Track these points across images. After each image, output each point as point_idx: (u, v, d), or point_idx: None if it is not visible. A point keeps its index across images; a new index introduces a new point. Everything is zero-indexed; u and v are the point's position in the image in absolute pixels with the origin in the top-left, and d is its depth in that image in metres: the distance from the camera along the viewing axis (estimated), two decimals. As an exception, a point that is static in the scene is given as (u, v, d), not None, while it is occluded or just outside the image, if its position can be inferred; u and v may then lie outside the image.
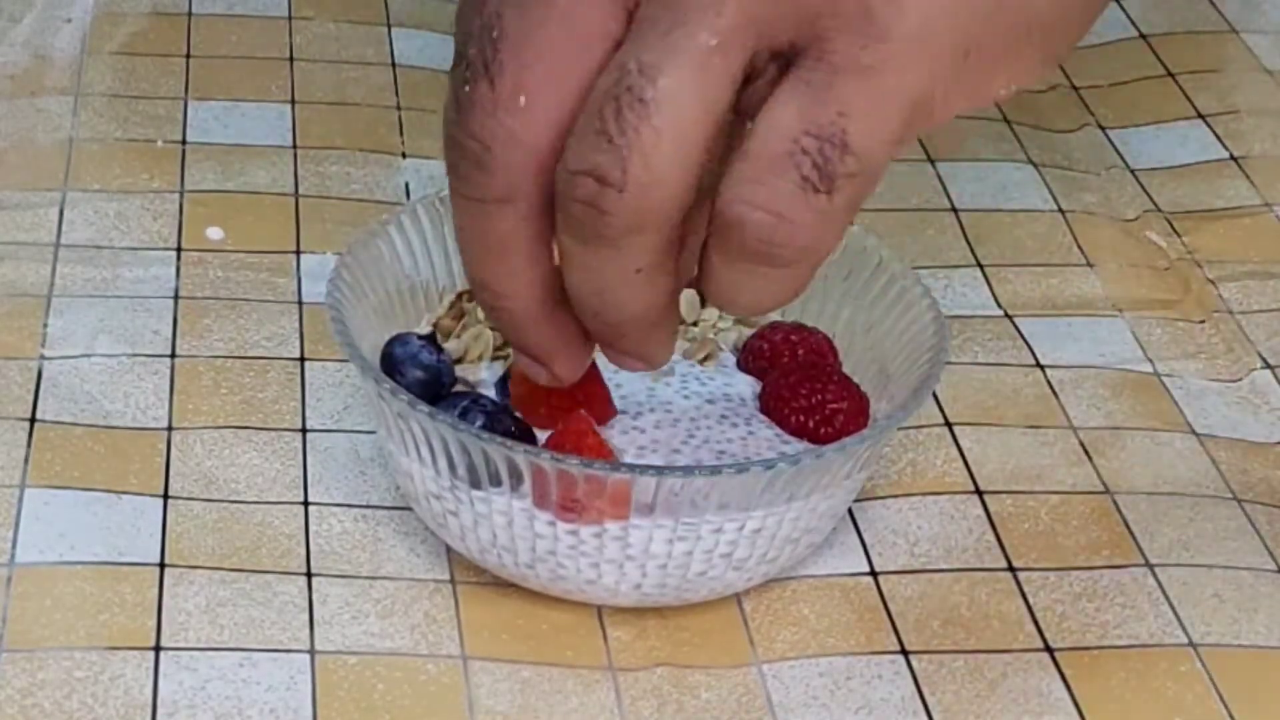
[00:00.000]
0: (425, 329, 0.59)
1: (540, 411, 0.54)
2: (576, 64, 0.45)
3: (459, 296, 0.60)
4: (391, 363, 0.56)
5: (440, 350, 0.56)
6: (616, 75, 0.44)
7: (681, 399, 0.57)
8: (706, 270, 0.47)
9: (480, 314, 0.59)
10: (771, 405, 0.56)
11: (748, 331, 0.60)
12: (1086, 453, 0.62)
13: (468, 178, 0.47)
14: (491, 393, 0.56)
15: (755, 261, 0.46)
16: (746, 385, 0.58)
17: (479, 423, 0.53)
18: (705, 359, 0.58)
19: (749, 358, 0.59)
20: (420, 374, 0.55)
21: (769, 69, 0.45)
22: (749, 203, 0.45)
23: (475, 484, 0.53)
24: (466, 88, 0.46)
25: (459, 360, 0.57)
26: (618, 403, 0.56)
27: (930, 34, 0.44)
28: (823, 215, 0.45)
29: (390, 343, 0.56)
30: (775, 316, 0.60)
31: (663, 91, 0.44)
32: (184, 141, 0.73)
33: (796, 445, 0.56)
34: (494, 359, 0.58)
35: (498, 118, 0.46)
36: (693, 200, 0.46)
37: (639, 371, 0.53)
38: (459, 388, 0.57)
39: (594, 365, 0.53)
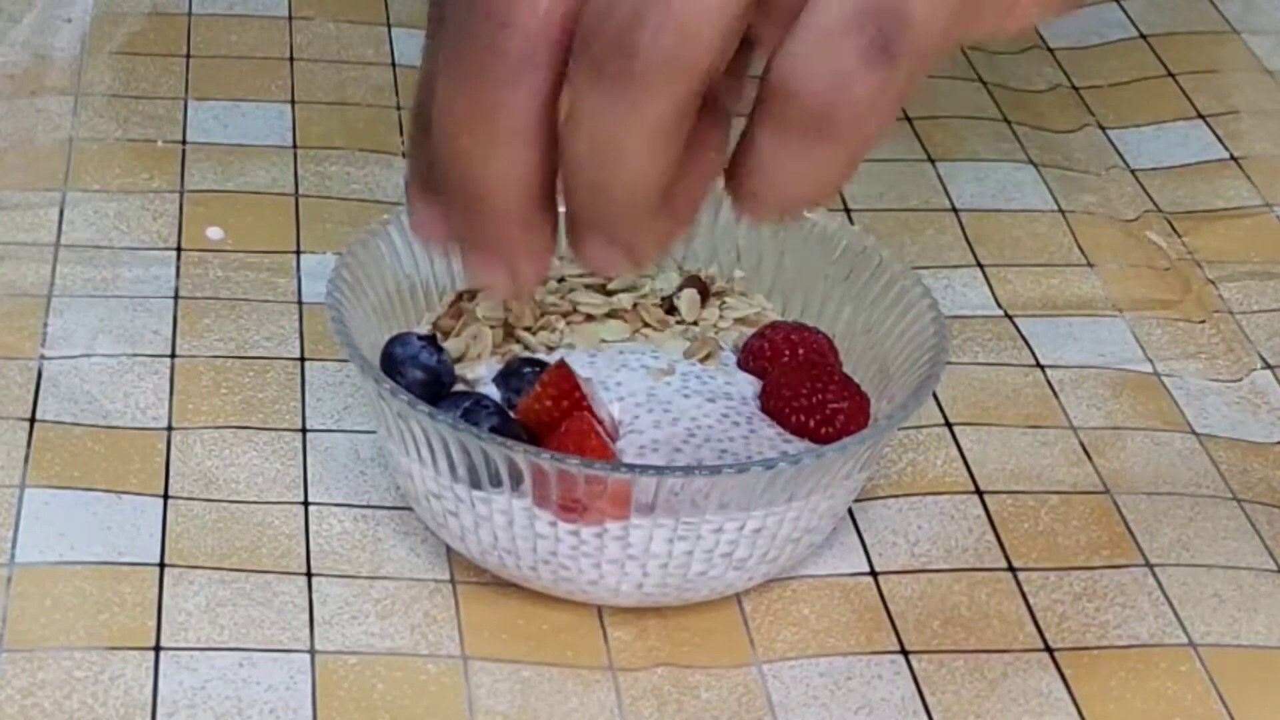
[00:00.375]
0: (425, 329, 0.59)
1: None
2: None
3: (459, 296, 0.60)
4: (391, 363, 0.56)
5: (440, 350, 0.56)
6: None
7: (682, 398, 0.57)
8: (751, 154, 0.45)
9: (480, 312, 0.59)
10: (772, 404, 0.56)
11: (748, 331, 0.60)
12: (1086, 453, 0.62)
13: (479, 42, 0.44)
14: (491, 391, 0.56)
15: (810, 134, 0.44)
16: (747, 384, 0.58)
17: (479, 423, 0.53)
18: (705, 358, 0.58)
19: (749, 357, 0.59)
20: (420, 374, 0.55)
21: None
22: (810, 69, 0.43)
23: (476, 484, 0.53)
24: None
25: (459, 359, 0.57)
26: (617, 403, 0.56)
27: None
28: (881, 87, 0.43)
29: (390, 343, 0.56)
30: (775, 316, 0.60)
31: None
32: (184, 141, 0.73)
33: (797, 445, 0.56)
34: (493, 356, 0.58)
35: None
36: (723, 64, 0.44)
37: (617, 274, 0.50)
38: (459, 387, 0.57)
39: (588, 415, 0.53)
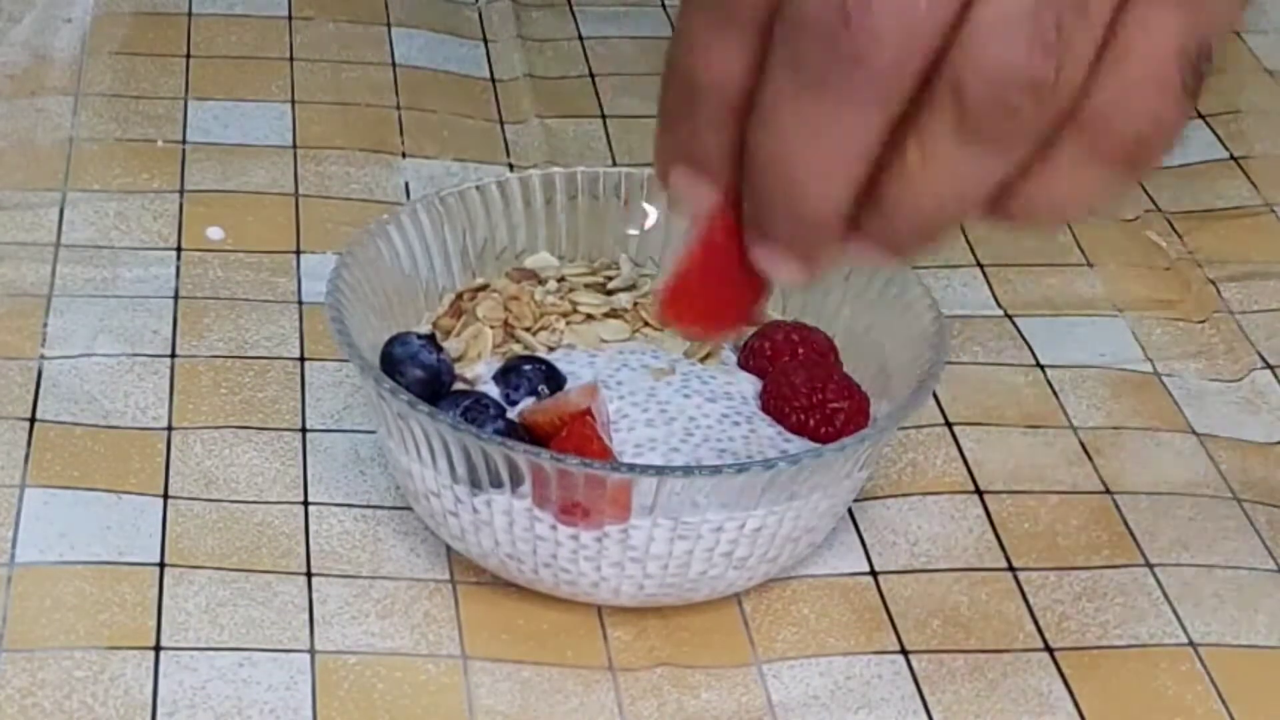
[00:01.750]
0: (425, 328, 0.59)
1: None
2: None
3: (459, 296, 0.60)
4: (391, 362, 0.56)
5: (440, 349, 0.56)
6: None
7: (682, 398, 0.57)
8: (1045, 175, 0.45)
9: (480, 312, 0.59)
10: (772, 404, 0.56)
11: (748, 331, 0.60)
12: (1086, 453, 0.62)
13: (833, 76, 0.43)
14: (491, 390, 0.56)
15: (1116, 164, 0.44)
16: (748, 384, 0.58)
17: (479, 422, 0.53)
18: (706, 357, 0.58)
19: (749, 357, 0.59)
20: (420, 373, 0.55)
21: None
22: (1137, 105, 0.43)
23: (476, 484, 0.53)
24: None
25: (459, 359, 0.57)
26: (617, 401, 0.56)
27: None
28: (1185, 116, 0.44)
29: (390, 342, 0.56)
30: (776, 315, 0.61)
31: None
32: (184, 141, 0.73)
33: (797, 444, 0.56)
34: (493, 356, 0.58)
35: (899, 7, 0.42)
36: None
37: (795, 283, 0.50)
38: (459, 386, 0.57)
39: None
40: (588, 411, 0.54)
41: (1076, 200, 0.45)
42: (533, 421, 0.54)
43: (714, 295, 0.48)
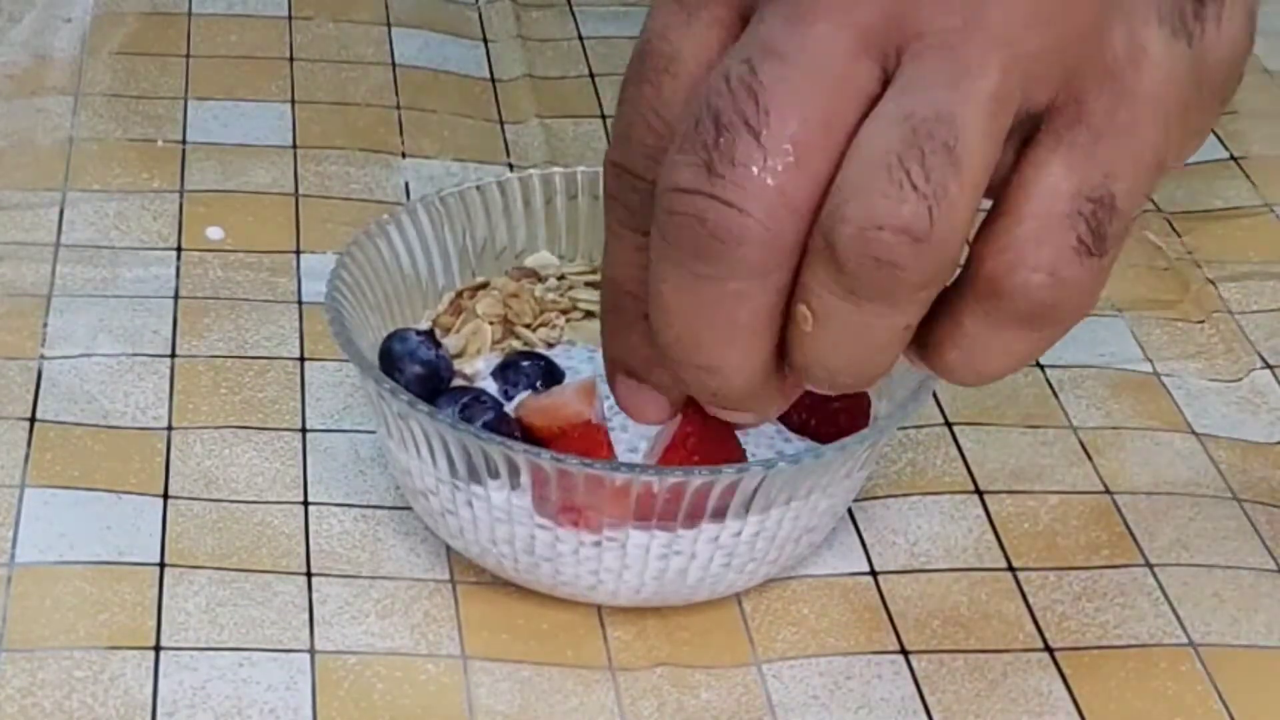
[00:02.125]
0: (425, 327, 0.59)
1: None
2: (843, 119, 0.43)
3: (459, 294, 0.60)
4: (390, 359, 0.56)
5: (438, 345, 0.56)
6: (911, 124, 0.42)
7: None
8: (951, 336, 0.45)
9: (479, 309, 0.59)
10: (772, 404, 0.56)
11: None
12: (1086, 453, 0.62)
13: (709, 254, 0.43)
14: (490, 386, 0.56)
15: (1025, 325, 0.44)
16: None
17: (477, 419, 0.53)
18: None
19: (749, 357, 0.59)
20: (419, 369, 0.55)
21: (1015, 130, 0.44)
22: (1031, 266, 0.43)
23: (476, 481, 0.53)
24: (718, 149, 0.43)
25: (458, 355, 0.57)
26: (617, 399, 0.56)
27: (1165, 93, 0.45)
28: (1094, 276, 0.44)
29: (389, 339, 0.56)
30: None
31: (965, 141, 0.42)
32: (184, 141, 0.73)
33: (798, 443, 0.56)
34: (493, 352, 0.58)
35: (763, 177, 0.43)
36: None
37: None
38: (458, 382, 0.57)
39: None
40: (601, 428, 0.54)
41: (993, 362, 0.46)
42: (530, 423, 0.54)
43: (709, 449, 0.51)
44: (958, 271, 0.45)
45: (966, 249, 0.45)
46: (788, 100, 0.43)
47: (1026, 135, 0.44)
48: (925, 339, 0.46)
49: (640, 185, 0.46)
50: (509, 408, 0.55)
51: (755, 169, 0.43)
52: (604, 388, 0.56)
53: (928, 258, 0.43)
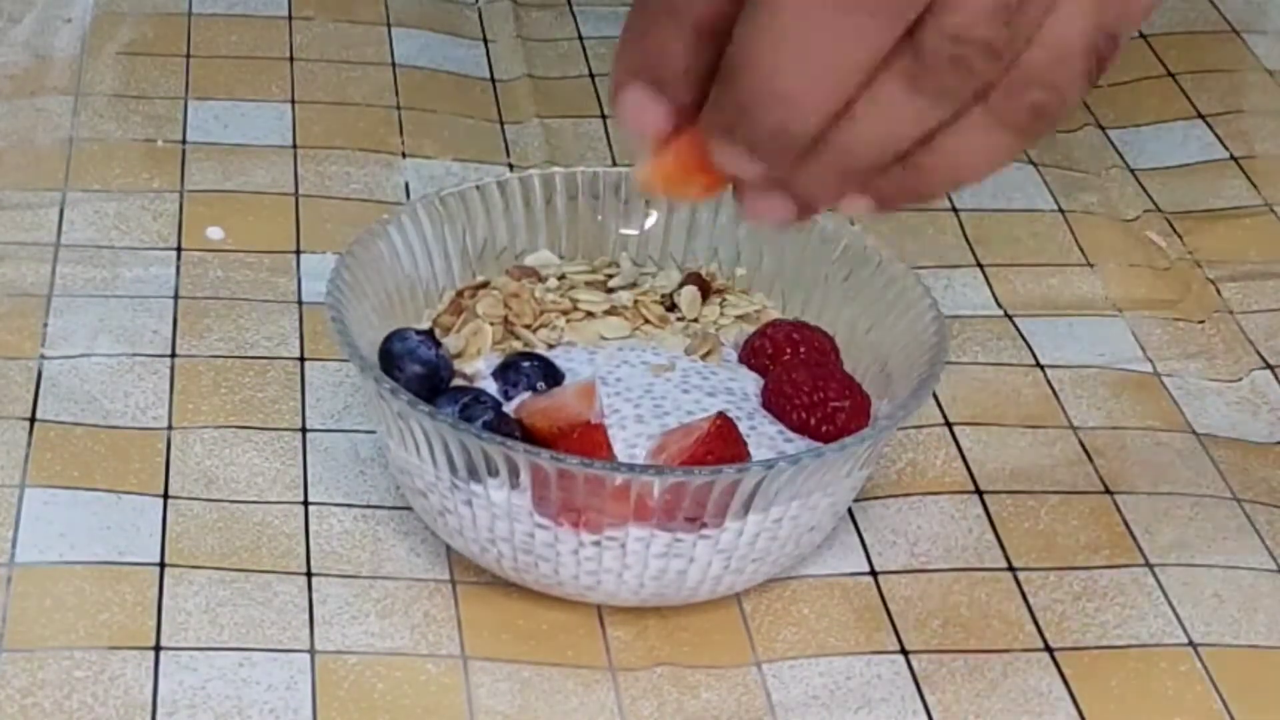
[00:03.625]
0: (425, 327, 0.59)
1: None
2: None
3: (459, 294, 0.60)
4: (390, 358, 0.56)
5: (438, 344, 0.56)
6: None
7: (681, 393, 0.57)
8: (952, 134, 0.46)
9: (479, 309, 0.59)
10: (774, 401, 0.56)
11: (749, 329, 0.60)
12: (1086, 453, 0.62)
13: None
14: (490, 386, 0.56)
15: (1016, 130, 0.46)
16: (749, 381, 0.58)
17: (477, 419, 0.53)
18: (707, 354, 0.58)
19: (750, 354, 0.59)
20: (419, 368, 0.55)
21: None
22: (1047, 80, 0.45)
23: (476, 481, 0.53)
24: None
25: (458, 355, 0.57)
26: (616, 398, 0.56)
27: None
28: (1078, 101, 0.47)
29: (388, 338, 0.56)
30: (776, 314, 0.61)
31: None
32: (184, 141, 0.73)
33: (798, 442, 0.56)
34: (493, 352, 0.58)
35: None
36: None
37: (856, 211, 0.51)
38: (458, 382, 0.57)
39: None
40: (600, 428, 0.54)
41: (974, 162, 0.47)
42: (531, 424, 0.54)
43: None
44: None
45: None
46: None
47: None
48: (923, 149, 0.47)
49: None
50: (509, 408, 0.55)
51: None
52: (603, 388, 0.56)
53: (991, 71, 0.45)
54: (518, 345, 0.58)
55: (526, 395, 0.56)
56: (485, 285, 0.60)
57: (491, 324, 0.58)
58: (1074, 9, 0.46)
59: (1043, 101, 0.46)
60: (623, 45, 0.48)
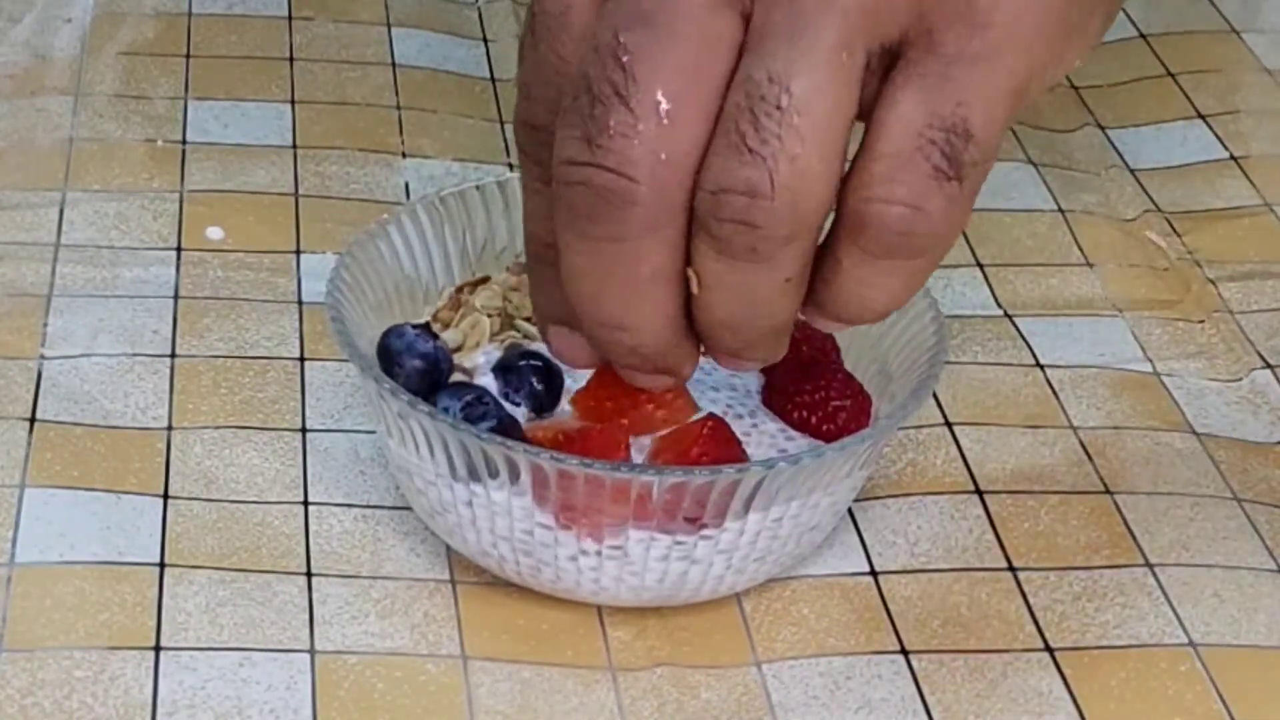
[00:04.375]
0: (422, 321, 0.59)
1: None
2: (710, 74, 0.45)
3: (459, 290, 0.60)
4: (388, 355, 0.56)
5: (435, 337, 0.56)
6: (746, 88, 0.44)
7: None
8: (833, 274, 0.47)
9: (478, 302, 0.59)
10: (775, 400, 0.57)
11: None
12: (1086, 453, 0.62)
13: (602, 217, 0.46)
14: (488, 380, 0.56)
15: (892, 255, 0.46)
16: (751, 377, 0.58)
17: (478, 419, 0.53)
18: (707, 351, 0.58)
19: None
20: (418, 363, 0.55)
21: (875, 65, 0.45)
22: (887, 199, 0.45)
23: (476, 480, 0.53)
24: (594, 120, 0.45)
25: (457, 350, 0.57)
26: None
27: (1024, 18, 0.46)
28: (953, 202, 0.46)
29: (385, 335, 0.56)
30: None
31: (799, 96, 0.44)
32: (184, 141, 0.73)
33: (799, 441, 0.56)
34: (491, 344, 0.58)
35: (641, 139, 0.45)
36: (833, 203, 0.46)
37: (750, 371, 0.54)
38: (457, 377, 0.56)
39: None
40: (621, 427, 0.54)
41: (875, 296, 0.48)
42: (543, 438, 0.54)
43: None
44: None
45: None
46: (653, 64, 0.45)
47: (888, 69, 0.46)
48: (815, 288, 0.48)
49: (549, 140, 0.48)
50: (519, 414, 0.55)
51: (630, 135, 0.45)
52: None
53: (780, 214, 0.45)
54: (516, 337, 0.58)
55: (529, 402, 0.56)
56: (485, 280, 0.60)
57: (490, 316, 0.58)
58: (888, 116, 0.45)
59: (899, 220, 0.45)
60: (532, 292, 0.52)
